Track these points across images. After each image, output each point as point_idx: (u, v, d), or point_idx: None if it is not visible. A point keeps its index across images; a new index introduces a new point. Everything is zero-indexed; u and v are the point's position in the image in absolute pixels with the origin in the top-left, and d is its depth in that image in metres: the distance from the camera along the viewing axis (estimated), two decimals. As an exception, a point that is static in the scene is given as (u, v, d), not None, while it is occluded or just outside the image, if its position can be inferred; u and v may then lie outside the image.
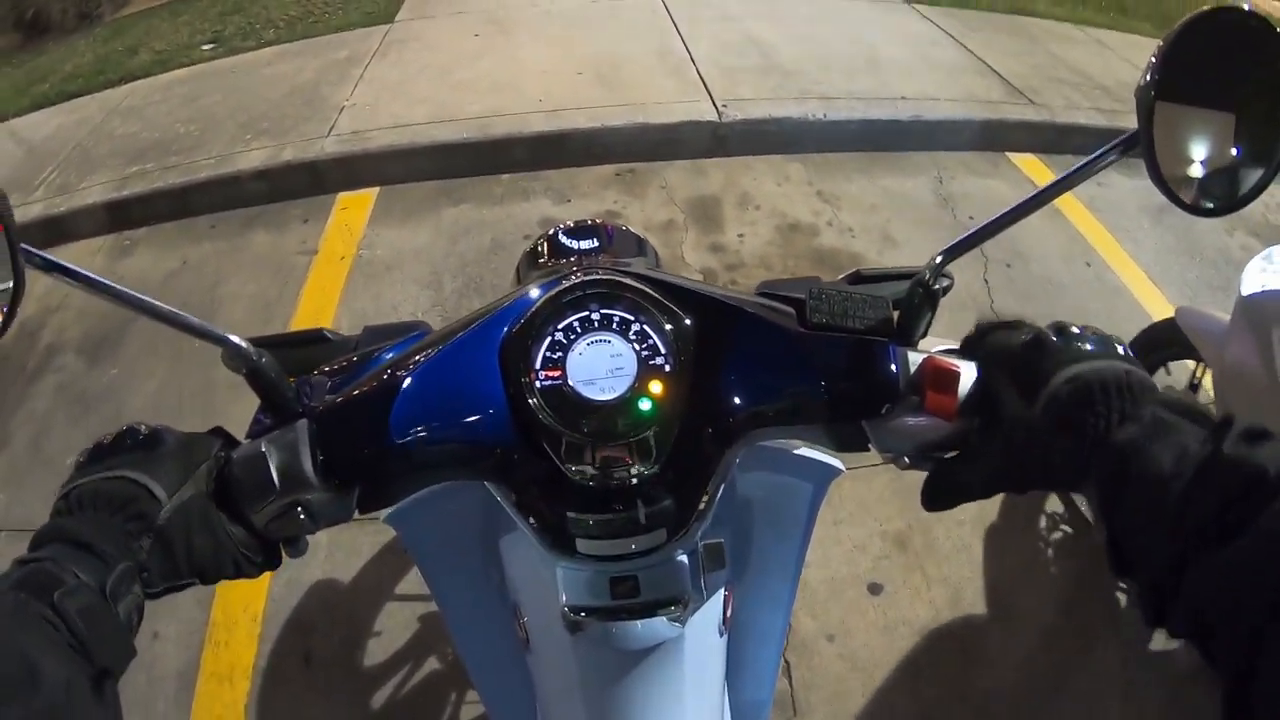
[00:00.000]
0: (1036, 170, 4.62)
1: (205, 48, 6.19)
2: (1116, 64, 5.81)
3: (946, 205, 4.25)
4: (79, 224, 4.31)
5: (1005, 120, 4.84)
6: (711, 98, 4.72)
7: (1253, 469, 0.48)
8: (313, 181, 4.37)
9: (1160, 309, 3.62)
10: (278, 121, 4.77)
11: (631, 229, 1.31)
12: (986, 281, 3.63)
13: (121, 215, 4.33)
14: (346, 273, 3.75)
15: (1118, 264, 3.89)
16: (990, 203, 4.26)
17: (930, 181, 4.45)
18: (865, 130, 4.66)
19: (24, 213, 4.28)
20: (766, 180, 4.39)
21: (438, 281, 3.67)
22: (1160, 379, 2.58)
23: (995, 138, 4.80)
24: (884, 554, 2.57)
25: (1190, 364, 2.44)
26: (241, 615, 2.44)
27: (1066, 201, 4.25)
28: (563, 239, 1.24)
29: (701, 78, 4.98)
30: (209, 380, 3.12)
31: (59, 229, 4.28)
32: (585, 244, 1.22)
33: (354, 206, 4.25)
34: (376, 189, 4.35)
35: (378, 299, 3.58)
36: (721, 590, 0.88)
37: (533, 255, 1.24)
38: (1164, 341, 2.46)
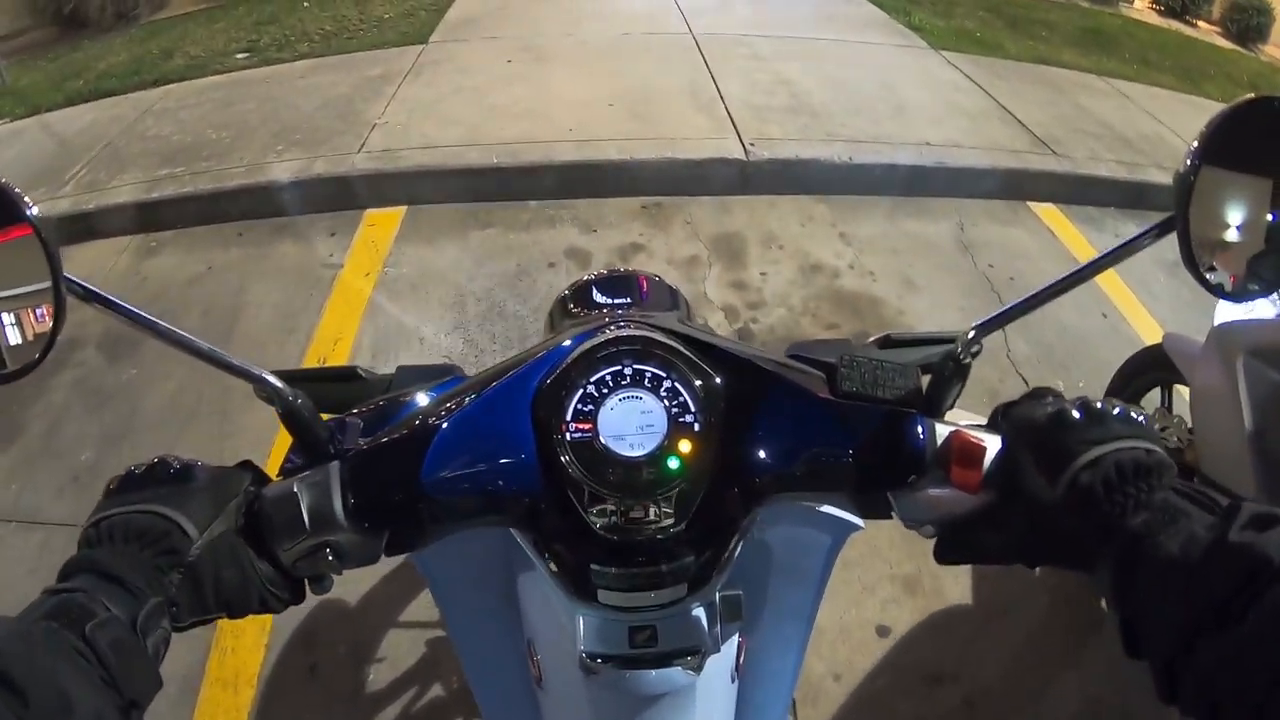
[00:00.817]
0: (1056, 220, 4.64)
1: (240, 56, 6.27)
2: (1139, 116, 5.86)
3: (967, 252, 4.27)
4: (107, 222, 4.35)
5: (1028, 170, 4.88)
6: (740, 136, 4.76)
7: (1258, 554, 0.49)
8: (342, 196, 4.41)
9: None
10: (310, 134, 4.83)
11: (665, 280, 1.30)
12: (1004, 331, 3.62)
13: (150, 216, 4.37)
14: (371, 289, 3.78)
15: (1133, 315, 3.91)
16: (1010, 251, 4.30)
17: (952, 227, 4.48)
18: (889, 174, 4.70)
19: (52, 207, 4.33)
20: (791, 220, 4.42)
21: (461, 304, 3.70)
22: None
23: (1017, 186, 4.84)
24: (893, 597, 2.57)
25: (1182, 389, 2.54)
26: (249, 623, 2.44)
27: (1084, 253, 4.27)
28: (596, 290, 1.22)
29: (731, 115, 5.03)
30: (226, 386, 3.10)
31: (86, 225, 4.33)
32: (619, 296, 1.21)
33: (382, 223, 4.29)
34: (405, 207, 4.39)
35: (401, 317, 3.61)
36: (735, 637, 0.89)
37: (565, 303, 1.23)
38: (1152, 366, 2.62)
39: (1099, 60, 7.21)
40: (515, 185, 4.46)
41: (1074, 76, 6.58)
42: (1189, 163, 0.60)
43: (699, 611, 0.75)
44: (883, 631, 2.48)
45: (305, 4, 7.44)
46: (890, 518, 0.76)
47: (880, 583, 2.61)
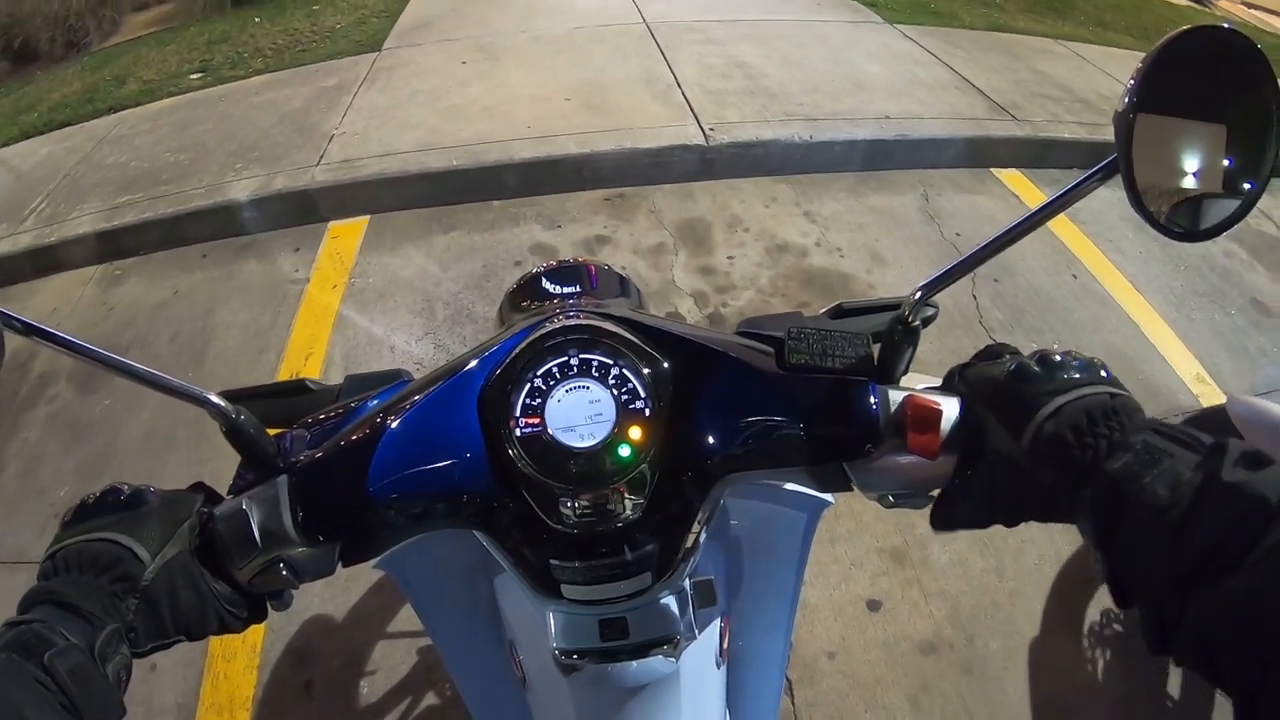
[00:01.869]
0: (1021, 185, 4.67)
1: (193, 76, 6.18)
2: (1097, 77, 5.91)
3: (933, 222, 4.28)
4: (70, 254, 4.30)
5: (989, 136, 4.89)
6: (698, 121, 4.75)
7: (1253, 495, 0.48)
8: (304, 210, 4.38)
9: (1147, 317, 3.70)
10: (268, 150, 4.78)
11: (614, 268, 1.29)
12: (975, 298, 3.67)
13: (112, 245, 4.32)
14: (339, 302, 3.75)
15: (1103, 274, 3.95)
16: (976, 218, 4.32)
17: (917, 199, 4.50)
18: (851, 150, 4.70)
19: (13, 243, 4.29)
20: (754, 202, 4.42)
21: (430, 309, 3.68)
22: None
23: (980, 154, 4.86)
24: (881, 570, 2.59)
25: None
26: (240, 645, 2.43)
27: (1050, 216, 4.29)
28: (544, 281, 1.22)
29: (688, 101, 5.01)
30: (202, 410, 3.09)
31: (50, 259, 4.28)
32: (567, 286, 1.21)
33: (345, 235, 4.26)
34: (368, 217, 4.36)
35: (370, 328, 3.59)
36: (717, 622, 0.88)
37: (515, 297, 1.23)
38: (1212, 430, 2.42)
39: (1054, 24, 7.24)
40: (477, 186, 4.43)
41: (1031, 42, 6.60)
42: (1127, 100, 0.59)
43: (669, 599, 0.74)
44: (874, 606, 2.50)
45: (256, 19, 7.37)
46: (851, 490, 0.75)
47: (867, 557, 2.62)
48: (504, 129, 4.74)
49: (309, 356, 3.44)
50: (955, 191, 4.59)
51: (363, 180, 4.38)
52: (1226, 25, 0.60)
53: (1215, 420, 2.38)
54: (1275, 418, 2.10)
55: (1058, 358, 0.64)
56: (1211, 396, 3.31)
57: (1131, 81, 0.59)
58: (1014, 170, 4.81)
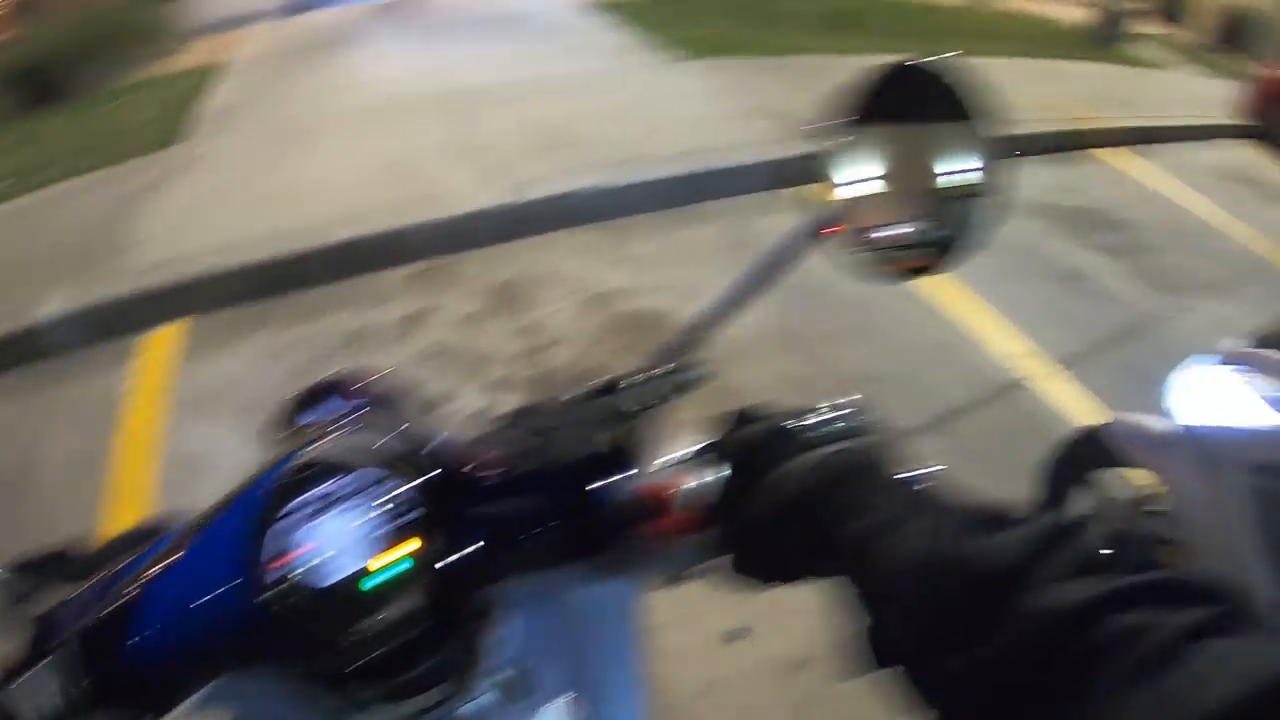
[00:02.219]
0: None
1: (-8, 187, 5.92)
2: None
3: (746, 248, 4.41)
4: None
5: (794, 157, 5.10)
6: (506, 181, 4.84)
7: (989, 562, 0.47)
8: (118, 322, 4.22)
9: (962, 305, 3.93)
10: (75, 263, 4.60)
11: (379, 377, 1.22)
12: (791, 313, 3.72)
13: (-88, 385, 4.08)
14: (162, 416, 3.65)
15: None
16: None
17: (727, 228, 4.68)
18: (658, 189, 4.86)
19: None
20: (569, 254, 4.52)
21: (258, 409, 3.54)
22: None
23: (786, 175, 5.07)
24: (736, 601, 2.59)
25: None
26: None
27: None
28: (304, 405, 1.15)
29: (495, 163, 5.10)
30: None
31: None
32: (328, 407, 1.13)
33: (163, 344, 4.14)
34: (185, 320, 4.24)
35: (200, 435, 3.49)
36: (563, 699, 0.88)
37: (277, 426, 1.14)
38: (1094, 450, 2.36)
39: (848, 40, 7.63)
40: (292, 275, 4.39)
41: (824, 61, 6.98)
42: (837, 129, 0.66)
43: (485, 698, 0.76)
44: (736, 635, 2.53)
45: (56, 121, 7.12)
46: (630, 574, 0.78)
47: (717, 589, 2.65)
48: (313, 213, 4.71)
49: (135, 483, 3.33)
50: (765, 215, 4.78)
51: (177, 285, 4.28)
52: (914, 58, 0.71)
53: (1098, 439, 2.33)
54: (1155, 435, 2.09)
55: (812, 416, 0.66)
56: (1038, 369, 3.58)
57: (826, 126, 0.67)
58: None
